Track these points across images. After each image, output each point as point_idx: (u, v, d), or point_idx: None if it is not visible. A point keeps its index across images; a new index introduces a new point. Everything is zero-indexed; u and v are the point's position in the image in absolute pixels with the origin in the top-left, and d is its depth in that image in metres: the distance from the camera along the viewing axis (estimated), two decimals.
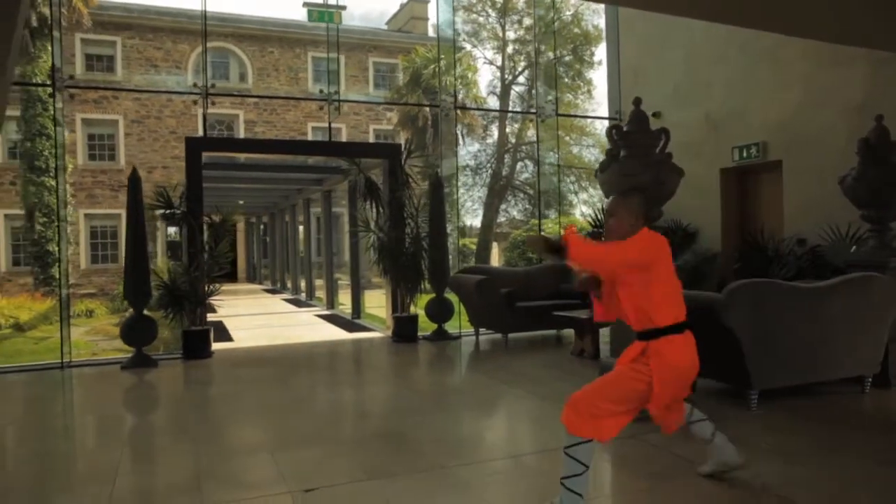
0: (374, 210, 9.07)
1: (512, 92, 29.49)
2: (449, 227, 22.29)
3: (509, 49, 29.91)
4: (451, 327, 9.09)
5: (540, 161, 20.31)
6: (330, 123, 9.40)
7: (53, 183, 18.73)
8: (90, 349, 10.89)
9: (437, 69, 13.35)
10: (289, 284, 20.59)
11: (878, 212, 5.78)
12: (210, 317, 12.41)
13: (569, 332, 8.31)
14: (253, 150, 11.49)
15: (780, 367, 4.85)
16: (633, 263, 3.01)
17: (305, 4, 9.61)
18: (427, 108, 21.84)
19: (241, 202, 21.35)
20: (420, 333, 8.85)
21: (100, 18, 22.04)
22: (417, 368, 7.45)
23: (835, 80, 7.43)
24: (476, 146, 29.63)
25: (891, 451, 4.00)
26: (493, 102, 29.48)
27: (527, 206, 29.95)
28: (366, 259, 10.44)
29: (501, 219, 31.00)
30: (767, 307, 4.77)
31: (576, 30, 29.45)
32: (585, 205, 28.91)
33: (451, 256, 23.13)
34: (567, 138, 29.30)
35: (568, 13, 28.42)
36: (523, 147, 28.99)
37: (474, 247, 28.16)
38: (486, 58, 32.44)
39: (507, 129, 29.67)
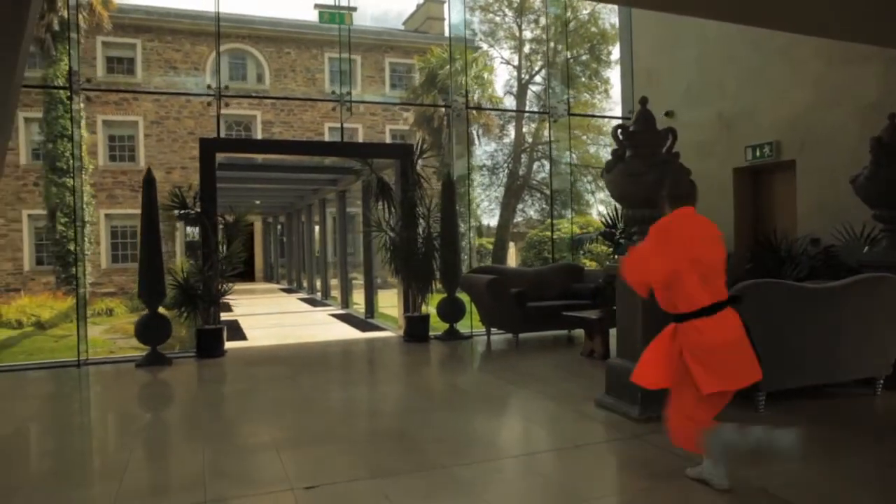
0: (387, 210, 9.11)
1: (529, 91, 29.45)
2: (464, 227, 22.35)
3: (526, 49, 29.87)
4: (462, 327, 9.11)
5: (556, 161, 20.25)
6: (342, 124, 9.47)
7: (80, 183, 19.08)
8: (108, 347, 11.07)
9: (451, 69, 13.36)
10: (305, 284, 20.74)
11: (891, 211, 5.71)
12: (226, 316, 12.57)
13: (580, 333, 8.29)
14: (266, 150, 11.59)
15: (789, 369, 4.81)
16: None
17: (317, 6, 9.68)
18: (443, 109, 21.87)
19: (258, 202, 21.56)
20: (432, 333, 8.89)
21: (120, 21, 22.36)
22: (426, 368, 7.48)
23: (848, 79, 7.33)
24: (493, 146, 29.64)
25: (891, 453, 3.95)
26: (510, 102, 29.44)
27: (544, 206, 29.85)
28: (379, 259, 10.49)
29: (518, 218, 30.96)
30: (775, 308, 4.73)
31: (593, 28, 29.33)
32: (602, 204, 28.77)
33: (467, 256, 23.20)
34: (584, 138, 29.20)
35: (585, 12, 28.32)
36: (540, 147, 28.92)
37: (491, 246, 28.15)
38: (502, 57, 32.44)
39: (525, 129, 29.62)
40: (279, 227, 27.51)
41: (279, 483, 3.62)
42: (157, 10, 23.81)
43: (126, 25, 23.17)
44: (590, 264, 16.81)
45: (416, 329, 8.74)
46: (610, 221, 9.52)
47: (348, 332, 10.24)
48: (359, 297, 13.90)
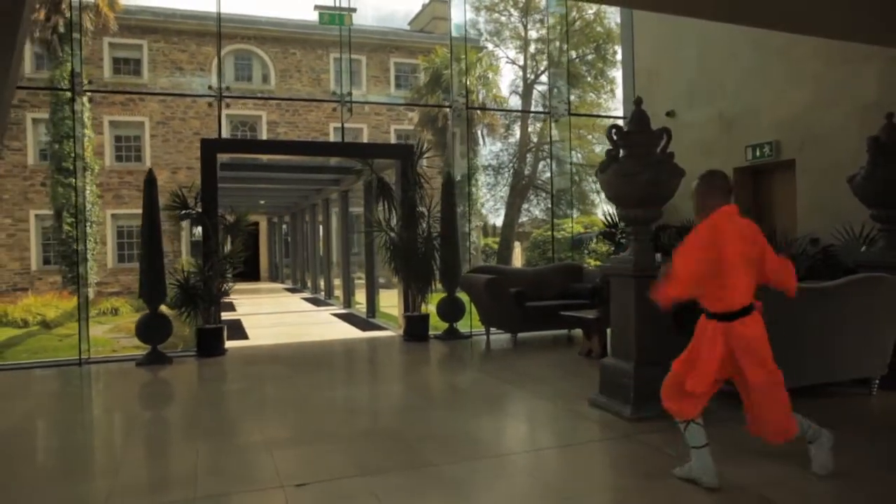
0: (387, 210, 9.14)
1: (534, 91, 29.45)
2: (468, 227, 22.35)
3: (531, 48, 29.87)
4: (463, 327, 9.14)
5: (561, 160, 20.24)
6: (343, 124, 9.51)
7: (82, 183, 19.21)
8: (111, 346, 11.14)
9: (451, 70, 13.39)
10: (309, 283, 20.81)
11: (888, 211, 5.68)
12: (229, 315, 12.65)
13: (580, 332, 8.29)
14: (267, 151, 11.66)
15: (787, 369, 4.78)
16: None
17: (317, 7, 9.73)
18: (447, 109, 21.92)
19: (262, 202, 21.64)
20: (432, 333, 8.92)
21: (126, 23, 22.50)
22: (423, 367, 7.50)
23: (847, 78, 7.31)
24: (498, 145, 29.67)
25: (890, 454, 3.94)
26: (516, 101, 29.44)
27: (549, 206, 29.88)
28: (380, 259, 10.53)
29: (524, 218, 30.96)
30: (772, 307, 4.71)
31: (598, 28, 29.31)
32: (607, 204, 28.70)
33: (472, 255, 23.18)
34: (590, 137, 29.18)
35: (590, 11, 28.29)
36: (545, 146, 28.91)
37: (497, 246, 28.16)
38: (508, 57, 32.41)
39: (530, 129, 29.63)
40: (284, 226, 27.60)
41: (270, 480, 3.65)
42: (163, 11, 23.95)
43: (132, 26, 23.31)
44: (594, 264, 16.78)
45: (415, 329, 8.77)
46: (611, 221, 9.53)
47: (349, 332, 10.27)
48: (361, 297, 13.94)
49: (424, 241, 8.84)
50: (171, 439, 4.80)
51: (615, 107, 29.94)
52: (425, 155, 9.30)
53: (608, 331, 7.17)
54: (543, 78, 29.36)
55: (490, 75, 24.22)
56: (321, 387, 6.30)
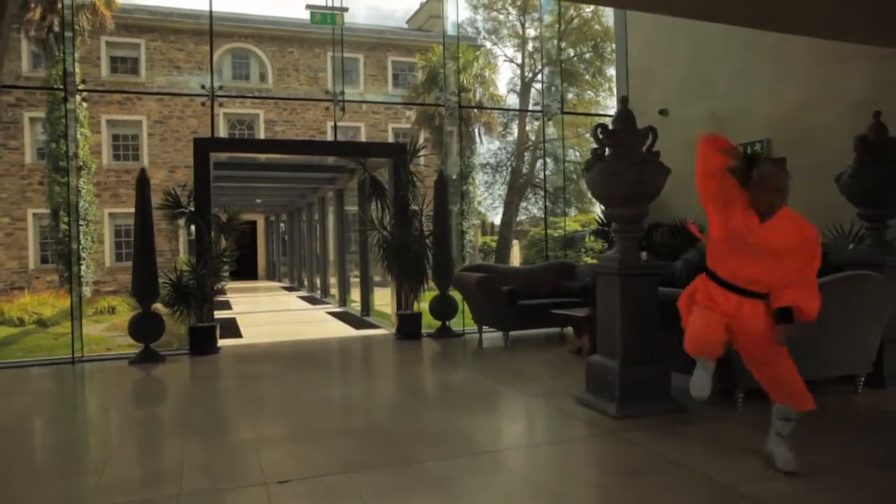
0: (380, 209, 9.17)
1: (532, 89, 29.47)
2: (465, 225, 22.32)
3: (529, 46, 29.90)
4: (455, 325, 9.16)
5: (559, 158, 20.29)
6: (336, 123, 9.53)
7: (76, 182, 19.22)
8: (106, 345, 11.17)
9: (444, 68, 13.42)
10: (305, 282, 20.84)
11: (875, 210, 5.71)
12: (224, 314, 12.68)
13: (573, 330, 8.32)
14: (259, 150, 11.69)
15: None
16: None
17: (308, 7, 9.74)
18: (442, 108, 21.94)
19: (259, 201, 21.67)
20: (425, 331, 8.94)
21: (123, 21, 22.52)
22: (414, 366, 7.53)
23: (838, 77, 7.34)
24: (496, 144, 29.70)
25: (873, 451, 3.97)
26: (514, 100, 29.47)
27: (547, 204, 29.94)
28: (374, 257, 10.56)
29: (522, 216, 31.00)
30: None
31: (596, 26, 29.35)
32: None
33: (470, 253, 23.12)
34: (587, 135, 29.18)
35: (588, 10, 28.32)
36: (543, 145, 28.93)
37: (495, 244, 28.21)
38: (506, 55, 32.41)
39: (528, 127, 29.66)
40: (281, 225, 27.65)
41: (255, 477, 3.67)
42: (161, 10, 23.96)
43: (130, 25, 23.33)
44: (591, 262, 16.82)
45: (408, 327, 8.80)
46: (604, 219, 9.56)
47: (342, 330, 10.30)
48: (357, 295, 13.96)
49: (417, 239, 8.86)
50: (159, 437, 4.82)
51: (613, 105, 29.97)
52: (419, 154, 9.31)
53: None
54: (540, 76, 29.39)
55: (487, 73, 24.23)
56: (311, 385, 6.32)
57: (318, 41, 25.54)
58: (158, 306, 8.15)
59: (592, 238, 12.97)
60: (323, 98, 21.35)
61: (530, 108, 28.25)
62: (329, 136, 24.79)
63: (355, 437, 4.47)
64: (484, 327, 8.74)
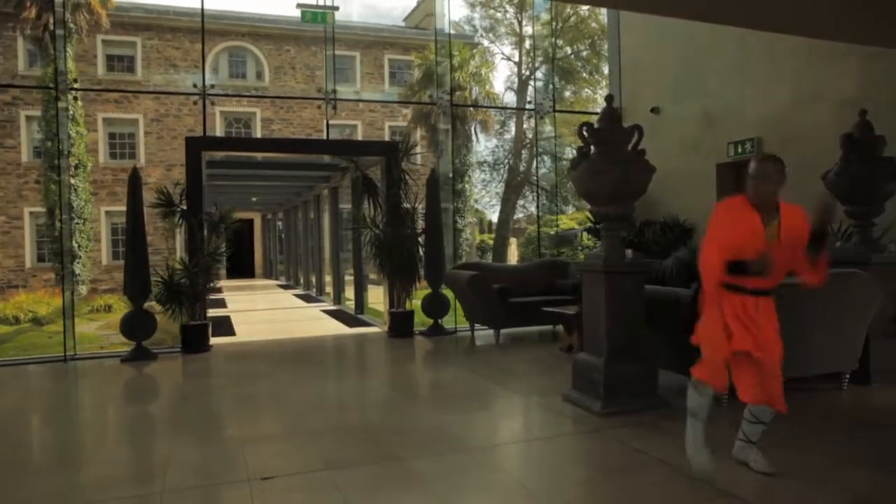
0: (372, 207, 9.18)
1: (529, 88, 29.45)
2: (461, 223, 22.28)
3: (526, 44, 29.88)
4: (448, 323, 9.18)
5: (557, 157, 20.30)
6: (328, 122, 9.54)
7: (73, 181, 19.22)
8: (100, 343, 11.19)
9: (436, 67, 13.44)
10: (301, 280, 20.86)
11: (860, 207, 5.73)
12: (219, 311, 12.71)
13: None
14: (251, 148, 11.71)
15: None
16: None
17: (299, 6, 9.75)
18: (434, 106, 21.95)
19: (254, 199, 21.68)
20: (417, 329, 8.96)
21: (120, 20, 22.51)
22: (403, 363, 7.55)
23: (827, 75, 7.36)
24: (494, 142, 29.70)
25: (855, 448, 3.99)
26: (511, 97, 29.47)
27: (544, 202, 29.98)
28: (367, 255, 10.57)
29: (519, 214, 30.99)
30: None
31: (593, 24, 29.33)
32: None
33: (466, 252, 23.09)
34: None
35: (585, 8, 28.29)
36: (541, 142, 28.95)
37: (493, 242, 28.22)
38: (503, 53, 32.39)
39: (525, 125, 29.64)
40: (278, 223, 27.67)
41: (238, 474, 3.69)
42: (157, 8, 23.93)
43: (126, 24, 23.31)
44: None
45: (400, 325, 8.82)
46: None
47: (335, 328, 10.33)
48: (352, 294, 13.99)
49: (409, 237, 8.88)
50: (145, 434, 4.84)
51: None
52: (412, 152, 9.33)
53: None
54: (538, 74, 29.40)
55: (483, 72, 24.24)
56: (300, 383, 6.35)
57: (315, 39, 25.52)
58: (153, 304, 8.18)
59: (588, 236, 12.99)
60: (314, 97, 21.35)
61: (520, 106, 28.28)
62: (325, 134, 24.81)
63: (341, 435, 4.49)
64: (476, 325, 8.76)
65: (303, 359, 7.90)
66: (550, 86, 22.60)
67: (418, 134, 24.50)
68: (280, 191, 19.32)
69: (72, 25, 19.16)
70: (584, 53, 30.17)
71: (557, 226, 20.17)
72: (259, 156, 12.47)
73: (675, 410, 4.72)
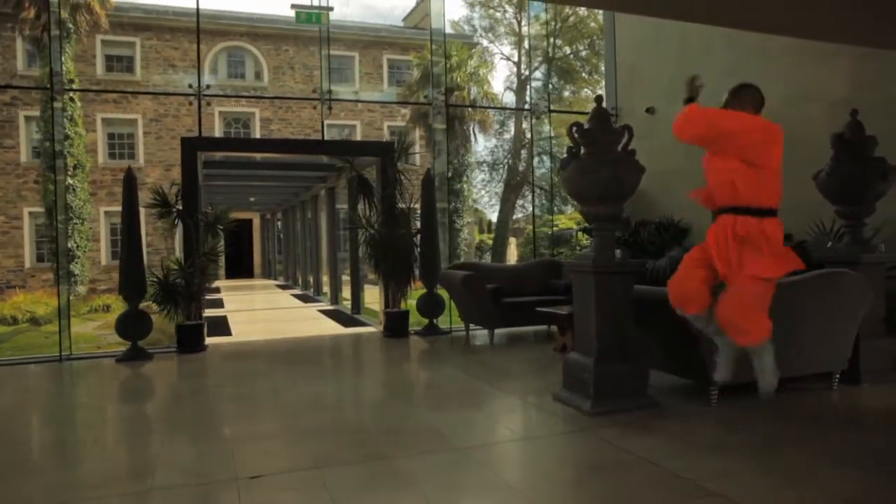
0: (367, 207, 9.21)
1: (529, 87, 29.50)
2: (459, 223, 22.28)
3: (525, 44, 29.90)
4: (443, 323, 9.20)
5: (556, 157, 20.34)
6: (323, 122, 9.57)
7: (72, 181, 19.25)
8: (97, 343, 11.22)
9: (431, 67, 13.47)
10: (299, 280, 20.89)
11: (852, 207, 5.75)
12: (217, 311, 12.73)
13: None
14: (246, 148, 11.74)
15: (741, 363, 4.86)
16: None
17: (293, 6, 9.78)
18: (429, 106, 21.98)
19: (252, 199, 21.71)
20: (412, 329, 8.98)
21: (119, 20, 22.55)
22: (398, 363, 7.57)
23: (819, 75, 7.38)
24: (493, 142, 29.73)
25: (844, 448, 4.00)
26: (510, 97, 29.50)
27: (543, 202, 29.98)
28: (362, 255, 10.60)
29: (518, 214, 31.01)
30: None
31: (592, 23, 29.35)
32: None
33: (465, 251, 23.09)
34: None
35: (583, 8, 28.32)
36: (540, 142, 28.98)
37: (492, 242, 28.26)
38: (502, 53, 32.40)
39: (524, 125, 29.67)
40: (277, 223, 27.70)
41: (226, 473, 3.71)
42: (156, 9, 23.98)
43: (125, 24, 23.37)
44: None
45: (395, 325, 8.84)
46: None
47: (332, 328, 10.35)
48: (348, 293, 14.01)
49: (404, 237, 8.90)
50: (136, 433, 4.86)
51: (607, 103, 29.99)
52: (408, 152, 9.35)
53: None
54: (537, 74, 29.42)
55: (481, 72, 24.27)
56: (294, 383, 6.36)
57: (313, 39, 25.50)
58: (150, 304, 8.20)
59: (584, 236, 13.02)
60: (309, 97, 21.39)
61: (518, 106, 28.33)
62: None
63: (332, 434, 4.51)
64: (471, 325, 8.79)
65: (297, 359, 7.92)
66: (549, 85, 22.65)
67: (417, 134, 24.54)
68: (278, 191, 19.35)
69: (71, 25, 19.20)
70: (584, 53, 30.20)
71: (555, 226, 20.20)
72: (258, 156, 12.50)
73: (665, 410, 4.75)
